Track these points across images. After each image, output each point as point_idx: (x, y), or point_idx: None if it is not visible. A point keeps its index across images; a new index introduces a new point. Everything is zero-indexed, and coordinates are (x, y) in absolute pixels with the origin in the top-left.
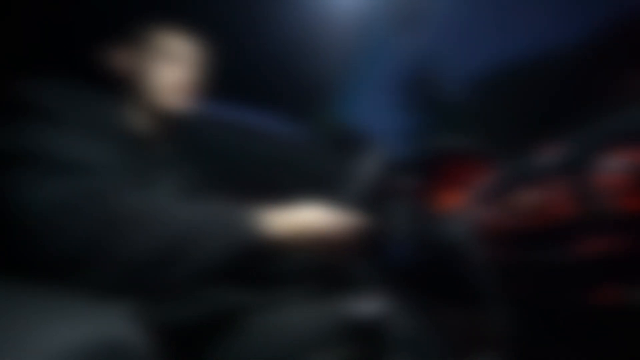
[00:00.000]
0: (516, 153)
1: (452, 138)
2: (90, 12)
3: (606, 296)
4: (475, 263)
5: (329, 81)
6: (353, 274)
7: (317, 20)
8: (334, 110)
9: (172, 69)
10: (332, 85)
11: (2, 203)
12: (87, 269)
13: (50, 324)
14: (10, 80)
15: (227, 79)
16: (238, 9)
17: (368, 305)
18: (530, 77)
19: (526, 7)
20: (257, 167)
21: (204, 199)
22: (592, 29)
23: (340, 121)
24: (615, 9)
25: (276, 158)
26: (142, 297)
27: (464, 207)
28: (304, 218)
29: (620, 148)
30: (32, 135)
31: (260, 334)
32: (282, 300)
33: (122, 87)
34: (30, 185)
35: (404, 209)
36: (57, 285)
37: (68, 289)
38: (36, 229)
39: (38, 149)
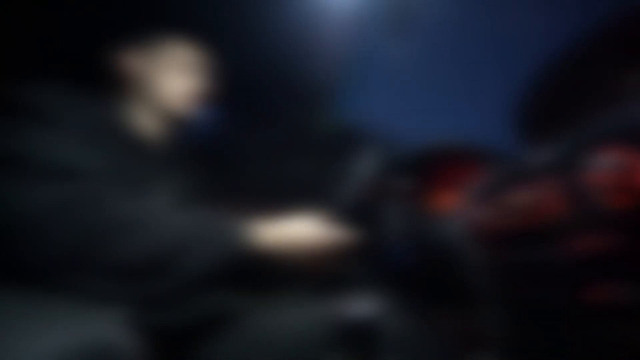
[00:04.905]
0: (509, 153)
1: (446, 139)
2: (102, 14)
3: (598, 294)
4: (469, 264)
5: (327, 82)
6: (348, 275)
7: (314, 25)
8: (332, 111)
9: (180, 77)
10: (330, 87)
11: None
12: (75, 274)
13: (39, 327)
14: (10, 81)
15: (228, 83)
16: (237, 15)
17: (362, 307)
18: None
19: (520, 10)
20: (254, 173)
21: (198, 207)
22: (586, 28)
23: (338, 121)
24: (605, 10)
25: (274, 164)
26: (131, 304)
27: (458, 208)
28: (294, 230)
29: (609, 146)
30: (24, 138)
31: (252, 337)
32: (275, 302)
33: (129, 91)
34: (20, 188)
35: (399, 210)
36: (47, 289)
37: (58, 294)
38: (25, 233)
39: (30, 152)
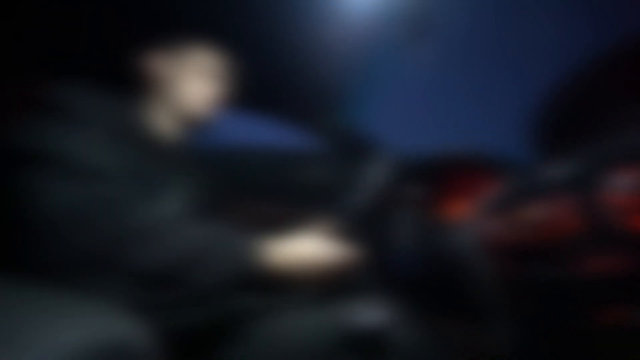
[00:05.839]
0: (525, 167)
1: (460, 148)
2: (129, 18)
3: (610, 316)
4: (479, 276)
5: (340, 88)
6: (358, 282)
7: (328, 28)
8: (344, 117)
9: (201, 82)
10: (343, 92)
11: (14, 204)
12: (92, 276)
13: (55, 323)
14: (40, 81)
15: (242, 87)
16: (256, 23)
17: (370, 314)
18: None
19: (540, 20)
20: (267, 180)
21: (211, 217)
22: (610, 41)
23: (351, 128)
24: (630, 23)
25: (286, 171)
26: (143, 309)
27: (470, 219)
28: (304, 248)
29: (628, 166)
30: (48, 138)
31: (261, 344)
32: (285, 306)
33: (151, 93)
34: (42, 189)
35: (410, 218)
36: (64, 288)
37: (74, 293)
38: (45, 233)
39: (53, 152)
